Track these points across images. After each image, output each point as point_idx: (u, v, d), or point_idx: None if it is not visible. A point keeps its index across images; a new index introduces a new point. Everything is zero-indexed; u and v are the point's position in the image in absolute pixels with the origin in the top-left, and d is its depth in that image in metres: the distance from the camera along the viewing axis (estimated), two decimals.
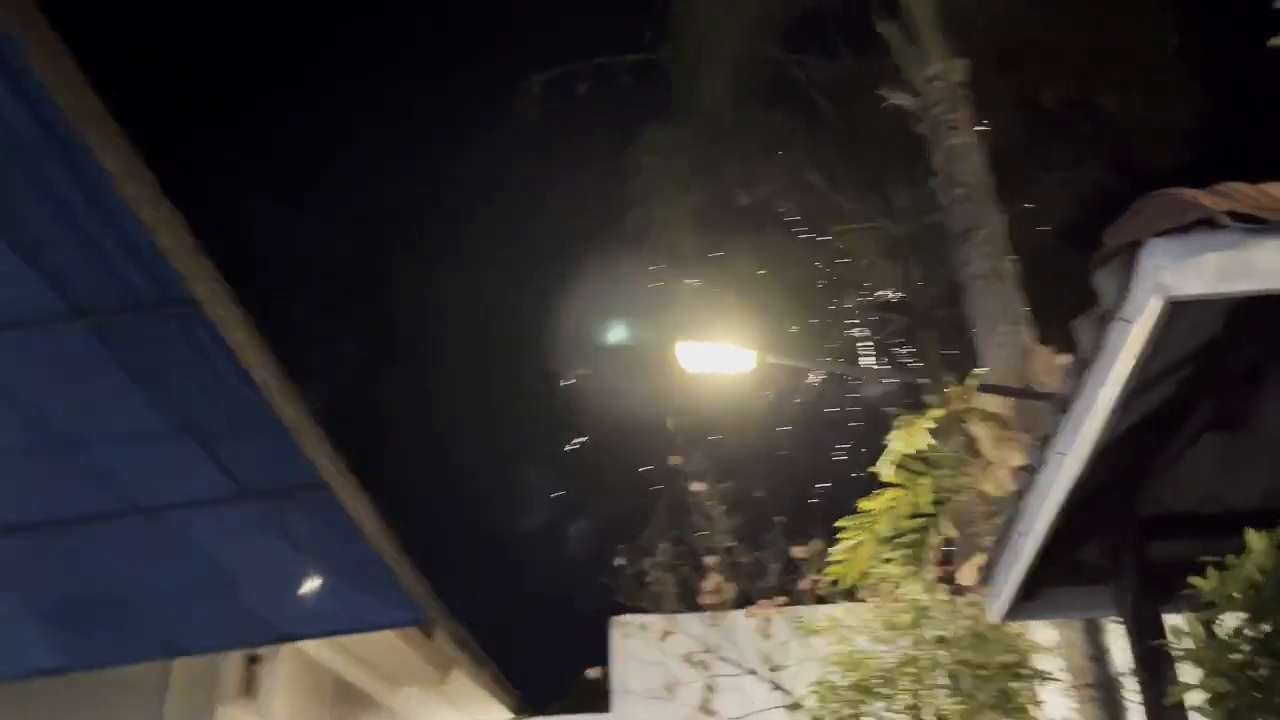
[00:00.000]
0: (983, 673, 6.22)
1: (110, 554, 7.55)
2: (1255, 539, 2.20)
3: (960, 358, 11.95)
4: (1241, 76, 11.32)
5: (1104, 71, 10.70)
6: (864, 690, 6.02)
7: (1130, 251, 2.75)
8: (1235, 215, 2.58)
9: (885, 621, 6.18)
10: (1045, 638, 7.09)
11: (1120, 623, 6.45)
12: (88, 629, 7.94)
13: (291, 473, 7.21)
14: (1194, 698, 2.28)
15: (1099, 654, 5.91)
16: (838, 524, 6.56)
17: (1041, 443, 3.83)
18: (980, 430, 6.45)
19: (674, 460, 10.57)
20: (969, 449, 6.57)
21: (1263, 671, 2.13)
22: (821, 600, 9.97)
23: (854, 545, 6.51)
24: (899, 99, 8.11)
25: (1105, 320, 3.04)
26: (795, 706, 6.31)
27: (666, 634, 10.29)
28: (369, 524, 7.68)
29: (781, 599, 10.19)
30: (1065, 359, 6.58)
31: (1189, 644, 2.25)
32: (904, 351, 12.03)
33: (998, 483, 6.37)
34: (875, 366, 10.27)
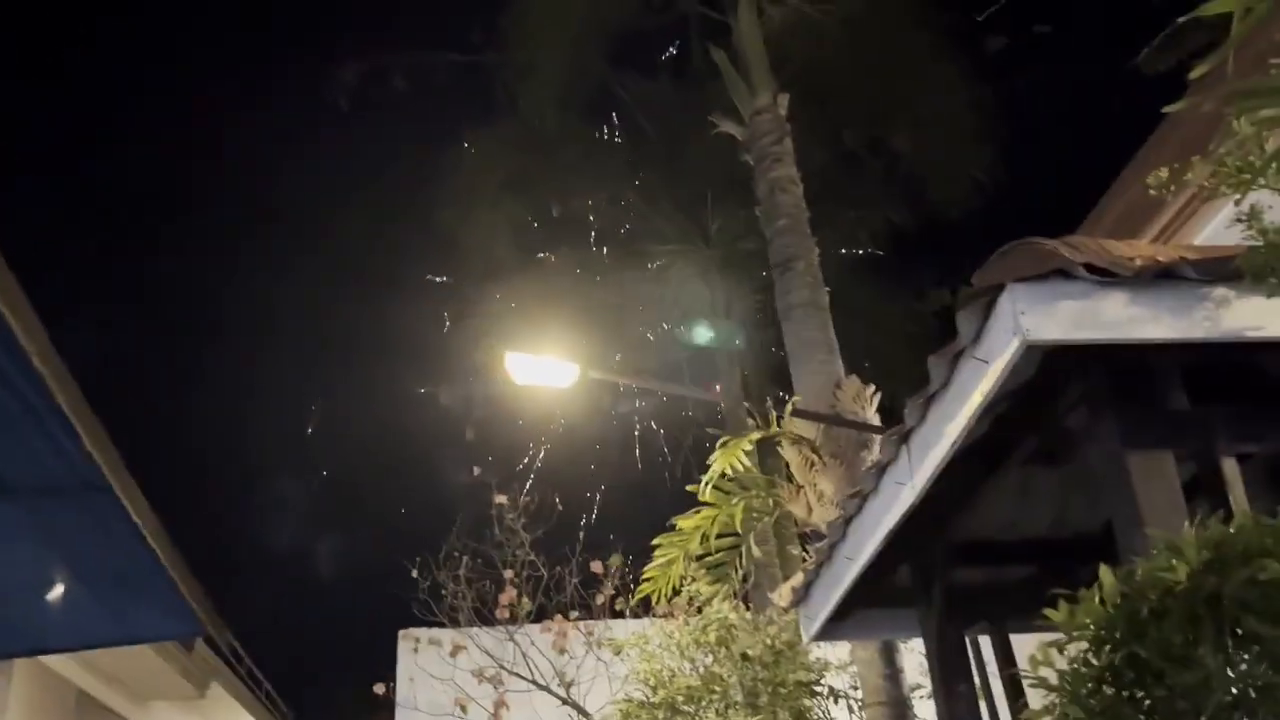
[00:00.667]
0: (782, 690, 6.39)
1: None
2: (1106, 574, 2.33)
3: (759, 382, 12.37)
4: (1031, 132, 12.35)
5: (902, 116, 11.33)
6: (669, 707, 6.06)
7: (992, 295, 2.88)
8: (1089, 268, 2.75)
9: (691, 639, 6.25)
10: (837, 656, 7.38)
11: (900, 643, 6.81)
12: None
13: (64, 470, 6.57)
14: None
15: (893, 673, 6.18)
16: (654, 541, 6.60)
17: (878, 470, 3.96)
18: (791, 454, 6.65)
19: (475, 472, 10.40)
20: (780, 472, 6.76)
21: (1110, 699, 2.25)
22: (618, 615, 10.03)
23: (667, 562, 6.56)
24: (728, 127, 8.30)
25: (958, 357, 3.18)
26: None
27: (458, 648, 10.08)
28: (147, 527, 7.10)
29: (575, 614, 10.18)
30: (871, 390, 6.90)
31: (1044, 672, 2.36)
32: (706, 373, 12.33)
33: (806, 506, 6.58)
34: (687, 386, 10.45)
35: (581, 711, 9.46)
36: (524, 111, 11.53)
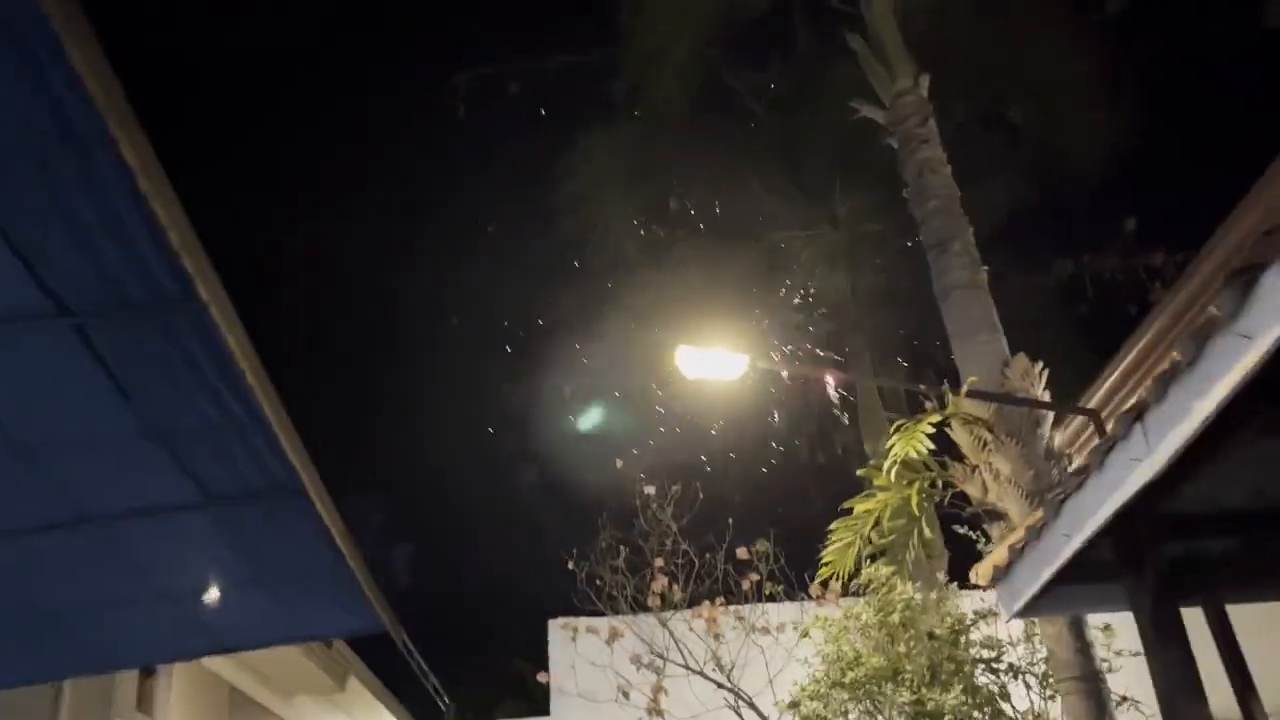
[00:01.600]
0: (965, 667, 6.47)
1: (54, 567, 7.22)
2: None
3: (887, 362, 12.38)
4: (1166, 101, 12.12)
5: (1029, 88, 11.19)
6: (859, 687, 6.18)
7: (1255, 272, 2.93)
8: None
9: (877, 619, 6.35)
10: (1009, 633, 7.40)
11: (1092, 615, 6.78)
12: (25, 644, 7.56)
13: (259, 476, 6.96)
14: None
15: (1084, 647, 6.20)
16: (830, 526, 6.72)
17: (1104, 448, 4.02)
18: (962, 435, 6.70)
19: (619, 464, 10.61)
20: (953, 453, 6.81)
21: None
22: (770, 599, 10.17)
23: (845, 545, 6.67)
24: (869, 112, 8.34)
25: (1209, 335, 3.23)
26: (794, 705, 6.42)
27: (615, 635, 10.30)
28: (335, 528, 7.48)
29: (722, 600, 10.34)
30: (1039, 367, 6.89)
31: None
32: (837, 354, 12.36)
33: (981, 486, 6.63)
34: (844, 372, 10.46)
35: (740, 695, 9.60)
36: (645, 107, 11.69)
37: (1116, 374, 8.03)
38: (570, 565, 10.10)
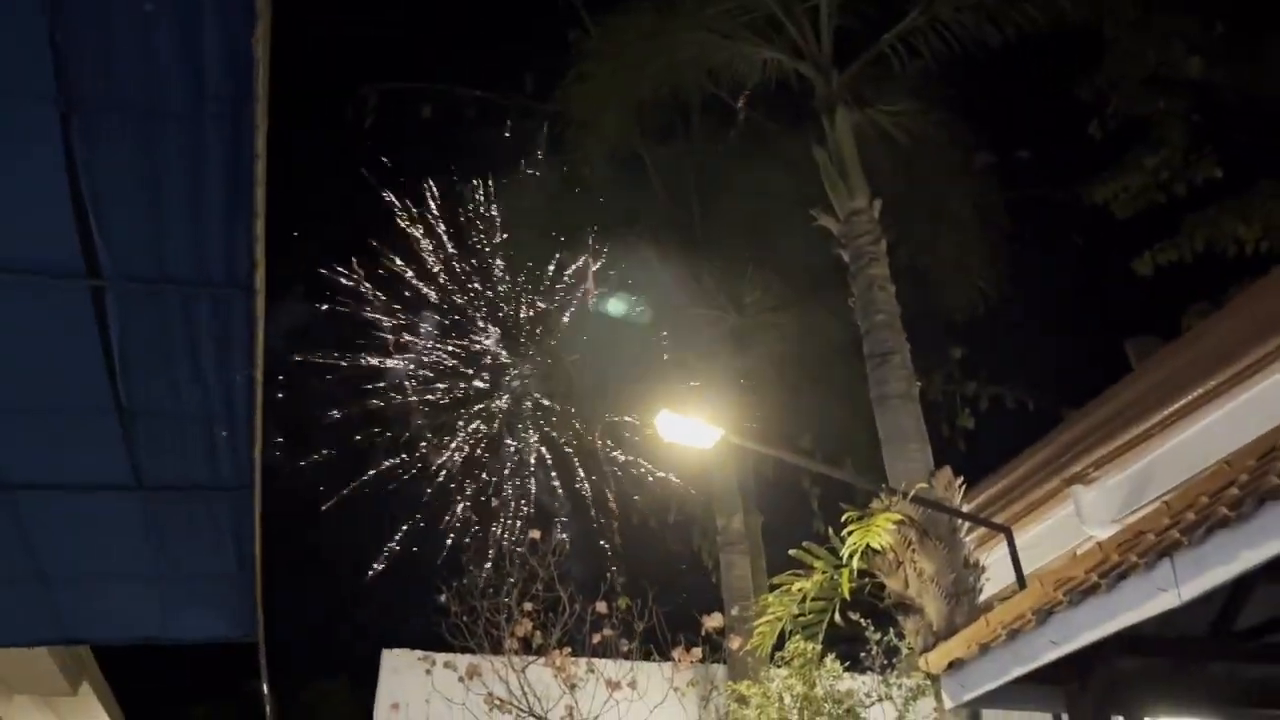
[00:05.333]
0: None
1: None
2: None
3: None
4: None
5: (927, 222, 12.27)
6: None
7: None
8: None
9: (803, 691, 6.81)
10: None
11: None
12: None
13: (215, 473, 6.76)
14: None
15: None
16: (764, 597, 7.17)
17: (1116, 573, 4.68)
18: (891, 535, 7.34)
19: (495, 506, 10.73)
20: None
21: None
22: (626, 656, 10.48)
23: (775, 618, 7.14)
24: (826, 223, 8.99)
25: (1267, 499, 3.93)
26: None
27: (473, 672, 10.25)
28: (258, 535, 7.30)
29: (569, 650, 10.57)
30: (959, 481, 7.67)
31: None
32: None
33: (903, 581, 7.28)
34: (814, 462, 10.79)
35: None
36: (574, 160, 12.01)
37: (993, 491, 9.03)
38: (442, 600, 10.05)
